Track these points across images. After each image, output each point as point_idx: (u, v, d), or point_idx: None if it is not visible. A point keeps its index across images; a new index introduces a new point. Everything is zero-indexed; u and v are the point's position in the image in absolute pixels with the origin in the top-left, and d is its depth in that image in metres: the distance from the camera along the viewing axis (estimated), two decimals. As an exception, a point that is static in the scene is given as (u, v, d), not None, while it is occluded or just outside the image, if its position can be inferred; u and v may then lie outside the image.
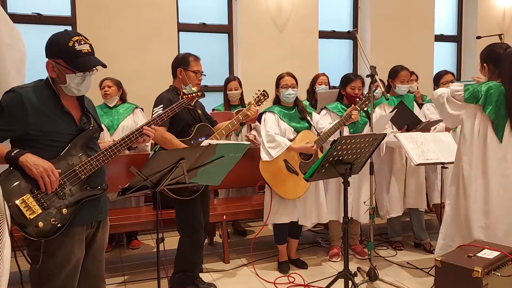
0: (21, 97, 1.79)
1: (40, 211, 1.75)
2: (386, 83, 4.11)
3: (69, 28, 4.79)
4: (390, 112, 3.66)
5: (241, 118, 3.13)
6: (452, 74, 4.20)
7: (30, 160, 1.74)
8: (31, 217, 1.72)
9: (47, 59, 1.89)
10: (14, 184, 1.73)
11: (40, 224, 1.74)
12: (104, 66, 1.93)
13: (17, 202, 1.70)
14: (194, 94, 2.51)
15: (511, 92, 2.62)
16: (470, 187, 2.71)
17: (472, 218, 2.70)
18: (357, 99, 3.49)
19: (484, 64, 2.77)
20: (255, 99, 3.27)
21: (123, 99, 4.10)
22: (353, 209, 3.68)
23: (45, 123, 1.83)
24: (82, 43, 1.86)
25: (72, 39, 1.85)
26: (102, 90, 3.96)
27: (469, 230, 2.72)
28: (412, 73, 4.49)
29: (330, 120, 3.61)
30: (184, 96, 2.49)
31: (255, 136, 4.13)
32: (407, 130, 3.69)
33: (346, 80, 3.69)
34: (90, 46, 1.90)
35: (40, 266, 1.84)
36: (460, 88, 2.73)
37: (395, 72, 3.86)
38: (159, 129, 2.17)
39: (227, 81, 4.36)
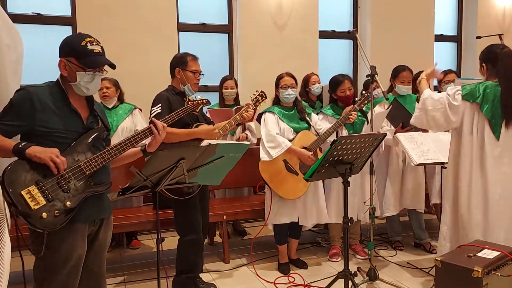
0: (30, 94, 1.88)
1: (44, 202, 1.80)
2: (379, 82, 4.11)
3: (69, 28, 4.79)
4: (387, 109, 3.67)
5: (238, 118, 3.13)
6: (456, 73, 4.21)
7: (36, 150, 1.81)
8: (36, 207, 1.78)
9: (59, 58, 1.98)
10: (21, 175, 1.79)
11: (44, 215, 1.79)
12: (114, 66, 2.02)
13: (22, 192, 1.76)
14: (199, 101, 2.55)
15: (506, 91, 2.69)
16: (469, 185, 2.75)
17: (472, 216, 2.73)
18: (356, 99, 3.49)
19: (483, 64, 2.84)
20: (252, 100, 3.25)
21: (121, 99, 4.06)
22: (358, 210, 3.67)
23: (52, 120, 1.90)
24: (94, 44, 1.98)
25: (85, 39, 1.96)
26: (100, 91, 3.90)
27: (469, 228, 2.75)
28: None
29: (327, 123, 3.60)
30: (189, 102, 2.52)
31: (247, 135, 4.13)
32: (402, 127, 3.69)
33: (334, 84, 3.66)
34: (102, 48, 2.01)
35: (42, 261, 1.89)
36: (458, 88, 2.80)
37: (396, 72, 3.85)
38: (167, 127, 2.18)
39: (223, 80, 4.33)
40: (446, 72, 4.21)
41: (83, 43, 1.94)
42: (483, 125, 2.73)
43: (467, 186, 2.76)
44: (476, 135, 2.75)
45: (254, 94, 3.28)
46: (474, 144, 2.75)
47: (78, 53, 1.94)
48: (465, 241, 2.71)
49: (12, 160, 1.83)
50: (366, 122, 3.64)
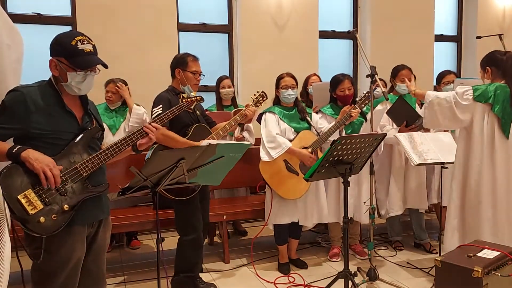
0: (23, 95, 1.82)
1: (41, 206, 1.76)
2: (386, 83, 4.11)
3: (69, 28, 4.79)
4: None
5: (238, 119, 3.13)
6: (455, 74, 4.21)
7: (31, 155, 1.76)
8: (33, 212, 1.73)
9: (50, 57, 1.92)
10: (16, 180, 1.74)
11: (42, 219, 1.75)
12: (106, 66, 1.96)
13: (18, 197, 1.72)
14: (193, 98, 2.53)
15: None
16: (479, 181, 2.85)
17: (482, 211, 2.84)
18: (357, 99, 3.48)
19: (487, 68, 2.94)
20: (253, 100, 3.26)
21: (125, 103, 4.05)
22: (355, 210, 3.67)
23: (47, 121, 1.85)
24: (85, 42, 1.90)
25: (76, 38, 1.89)
26: (106, 93, 3.95)
27: (479, 223, 2.84)
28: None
29: (326, 123, 3.59)
30: (183, 100, 2.50)
31: (243, 137, 4.12)
32: (406, 126, 3.68)
33: (334, 83, 3.65)
34: (94, 46, 1.94)
35: (41, 264, 1.85)
36: (468, 88, 2.87)
37: (396, 71, 3.88)
38: (160, 127, 2.17)
39: (220, 80, 4.31)
40: (446, 73, 4.21)
41: (73, 42, 1.87)
42: (493, 125, 2.84)
43: (477, 183, 2.85)
44: (486, 134, 2.84)
45: (254, 95, 3.29)
46: (485, 143, 2.84)
47: (68, 53, 1.87)
48: (475, 236, 2.81)
49: (6, 164, 1.77)
50: (365, 122, 3.63)
